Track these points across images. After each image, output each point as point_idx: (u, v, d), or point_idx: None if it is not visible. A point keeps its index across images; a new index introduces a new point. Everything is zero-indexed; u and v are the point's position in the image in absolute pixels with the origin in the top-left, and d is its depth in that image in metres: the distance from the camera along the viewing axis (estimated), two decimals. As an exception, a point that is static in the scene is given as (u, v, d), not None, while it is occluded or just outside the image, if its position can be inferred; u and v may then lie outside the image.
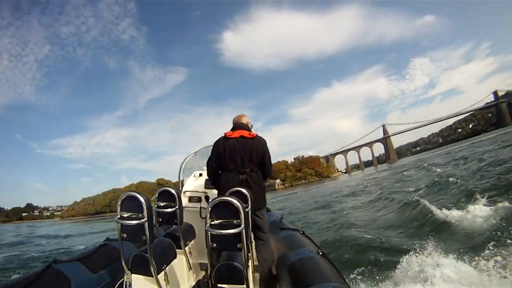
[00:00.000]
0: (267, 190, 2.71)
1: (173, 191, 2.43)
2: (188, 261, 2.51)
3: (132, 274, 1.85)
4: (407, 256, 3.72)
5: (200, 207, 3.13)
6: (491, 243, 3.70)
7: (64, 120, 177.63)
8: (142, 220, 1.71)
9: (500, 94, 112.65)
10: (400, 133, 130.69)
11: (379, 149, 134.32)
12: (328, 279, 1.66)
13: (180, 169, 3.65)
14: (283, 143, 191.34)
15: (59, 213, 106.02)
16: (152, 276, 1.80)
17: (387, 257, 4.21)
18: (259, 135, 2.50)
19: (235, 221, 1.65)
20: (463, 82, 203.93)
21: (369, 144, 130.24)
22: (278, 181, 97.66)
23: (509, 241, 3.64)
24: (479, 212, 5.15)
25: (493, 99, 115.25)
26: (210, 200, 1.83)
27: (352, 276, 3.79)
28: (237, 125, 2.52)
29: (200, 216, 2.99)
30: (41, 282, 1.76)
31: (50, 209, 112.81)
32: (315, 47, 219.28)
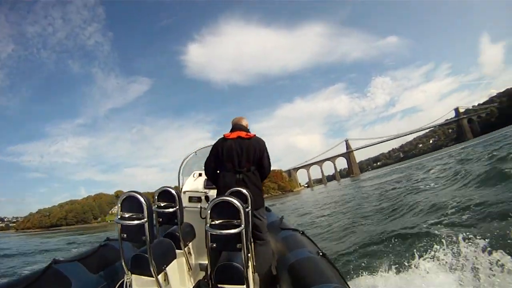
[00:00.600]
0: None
1: (173, 191, 2.44)
2: (188, 261, 2.51)
3: (132, 275, 1.85)
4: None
5: (200, 207, 3.12)
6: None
7: (23, 124, 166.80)
8: (142, 220, 1.71)
9: (461, 110, 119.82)
10: (363, 148, 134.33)
11: (341, 163, 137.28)
12: (328, 279, 1.66)
13: (180, 169, 3.65)
14: None
15: (14, 224, 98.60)
16: (152, 277, 1.80)
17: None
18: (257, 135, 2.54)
19: (235, 221, 1.66)
20: (422, 101, 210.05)
21: (332, 159, 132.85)
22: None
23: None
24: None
25: (454, 115, 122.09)
26: (210, 200, 1.83)
27: None
28: (236, 126, 2.60)
29: (200, 216, 2.99)
30: (41, 282, 1.76)
31: (5, 220, 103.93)
32: (280, 63, 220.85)
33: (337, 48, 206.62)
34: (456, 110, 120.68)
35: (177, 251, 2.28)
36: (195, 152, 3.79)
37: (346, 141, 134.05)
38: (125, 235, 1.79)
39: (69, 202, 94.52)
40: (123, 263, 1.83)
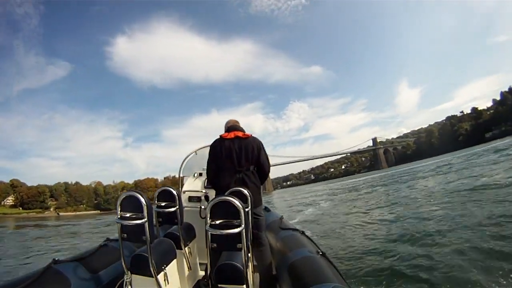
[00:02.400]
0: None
1: (173, 191, 2.44)
2: (188, 261, 2.51)
3: (132, 274, 1.85)
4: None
5: (200, 207, 3.12)
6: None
7: None
8: (142, 220, 1.71)
9: (378, 140, 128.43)
10: (276, 165, 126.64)
11: None
12: (328, 279, 1.66)
13: (180, 168, 3.65)
14: (152, 163, 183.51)
15: None
16: (152, 276, 1.80)
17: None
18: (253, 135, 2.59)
19: (235, 221, 1.66)
20: (335, 130, 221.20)
21: None
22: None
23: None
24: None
25: (371, 144, 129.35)
26: (210, 200, 1.83)
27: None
28: (233, 127, 2.64)
29: (200, 216, 2.99)
30: (41, 282, 1.75)
31: None
32: (203, 72, 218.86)
33: (262, 67, 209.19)
34: (374, 140, 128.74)
35: (177, 251, 2.28)
36: (195, 152, 3.80)
37: None
38: (125, 235, 1.79)
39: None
40: (123, 263, 1.83)
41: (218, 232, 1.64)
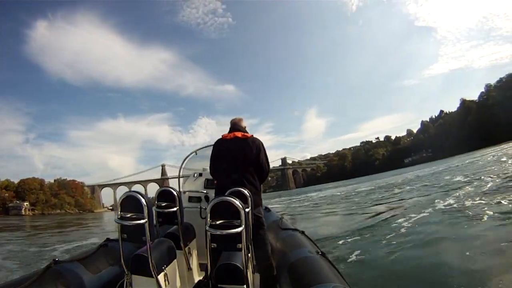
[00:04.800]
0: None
1: (173, 191, 2.44)
2: (188, 261, 2.51)
3: (132, 275, 1.85)
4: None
5: (200, 207, 3.13)
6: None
7: None
8: (142, 220, 1.71)
9: (288, 161, 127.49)
10: (181, 177, 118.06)
11: (154, 190, 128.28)
12: (328, 279, 1.66)
13: (180, 168, 3.65)
14: (51, 164, 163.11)
15: None
16: (152, 277, 1.80)
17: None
18: (254, 136, 2.62)
19: (235, 221, 1.66)
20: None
21: (144, 183, 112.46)
22: (26, 204, 75.47)
23: None
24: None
25: (280, 164, 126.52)
26: (210, 200, 1.83)
27: None
28: (234, 127, 2.68)
29: (200, 216, 2.99)
30: (41, 283, 1.75)
31: None
32: (116, 75, 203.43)
33: (176, 78, 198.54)
34: (283, 160, 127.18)
35: (177, 251, 2.28)
36: (195, 152, 3.80)
37: (163, 166, 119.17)
38: (125, 235, 1.79)
39: None
40: (123, 263, 1.83)
41: (218, 232, 1.64)
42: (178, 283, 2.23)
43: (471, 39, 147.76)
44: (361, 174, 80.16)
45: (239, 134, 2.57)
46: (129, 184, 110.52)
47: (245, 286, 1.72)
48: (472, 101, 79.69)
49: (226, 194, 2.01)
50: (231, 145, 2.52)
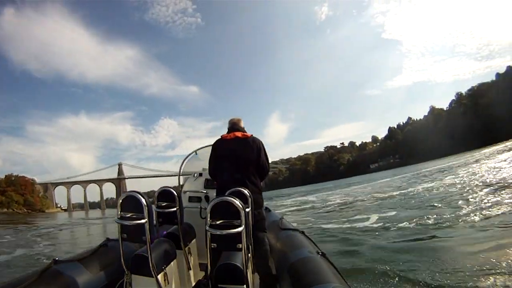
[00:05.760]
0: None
1: (173, 191, 2.44)
2: (188, 261, 2.51)
3: (132, 275, 1.85)
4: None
5: (200, 207, 3.12)
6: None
7: None
8: (142, 220, 1.70)
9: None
10: (138, 178, 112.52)
11: (110, 191, 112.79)
12: (328, 279, 1.65)
13: (180, 168, 3.65)
14: (9, 160, 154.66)
15: None
16: (152, 277, 1.80)
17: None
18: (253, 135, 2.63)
19: (236, 221, 1.65)
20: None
21: (100, 182, 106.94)
22: (-30, 201, 68.66)
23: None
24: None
25: None
26: (210, 200, 1.83)
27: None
28: (233, 127, 2.68)
29: (200, 216, 2.99)
30: (41, 283, 1.75)
31: None
32: (81, 69, 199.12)
33: (141, 77, 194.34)
34: None
35: (177, 251, 2.28)
36: (195, 152, 3.80)
37: (120, 165, 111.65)
38: (125, 235, 1.79)
39: None
40: (123, 263, 1.83)
41: (218, 232, 1.64)
42: (178, 283, 2.23)
43: (435, 54, 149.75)
44: (325, 179, 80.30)
45: (239, 134, 2.58)
46: (83, 183, 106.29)
47: (245, 286, 1.72)
48: (441, 109, 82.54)
49: (226, 194, 2.01)
50: (232, 145, 2.52)
